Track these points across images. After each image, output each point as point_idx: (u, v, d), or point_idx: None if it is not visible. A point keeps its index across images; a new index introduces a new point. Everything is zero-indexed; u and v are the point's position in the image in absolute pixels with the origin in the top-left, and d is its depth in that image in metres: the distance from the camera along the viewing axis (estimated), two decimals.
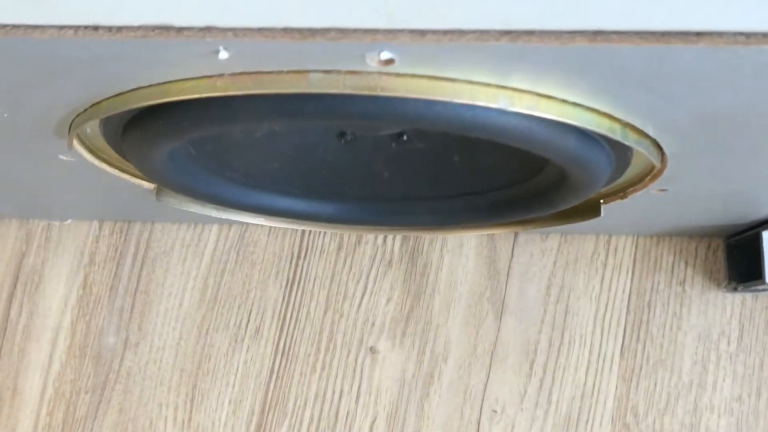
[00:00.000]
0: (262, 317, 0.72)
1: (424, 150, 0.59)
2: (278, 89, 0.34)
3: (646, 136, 0.40)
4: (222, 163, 0.56)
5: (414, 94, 0.34)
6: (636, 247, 0.72)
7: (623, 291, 0.71)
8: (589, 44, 0.29)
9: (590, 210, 0.59)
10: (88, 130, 0.46)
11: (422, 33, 0.29)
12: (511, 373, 0.70)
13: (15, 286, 0.76)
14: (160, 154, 0.46)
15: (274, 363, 0.71)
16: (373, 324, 0.71)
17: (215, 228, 0.75)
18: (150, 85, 0.36)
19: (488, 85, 0.34)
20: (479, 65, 0.33)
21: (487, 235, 0.72)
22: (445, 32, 0.29)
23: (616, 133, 0.38)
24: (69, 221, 0.76)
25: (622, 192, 0.55)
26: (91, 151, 0.51)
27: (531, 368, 0.70)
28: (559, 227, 0.68)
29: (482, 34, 0.29)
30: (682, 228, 0.68)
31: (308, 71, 0.33)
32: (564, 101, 0.36)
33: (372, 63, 0.32)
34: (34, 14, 0.30)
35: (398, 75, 0.33)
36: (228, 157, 0.56)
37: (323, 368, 0.71)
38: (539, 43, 0.29)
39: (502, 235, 0.72)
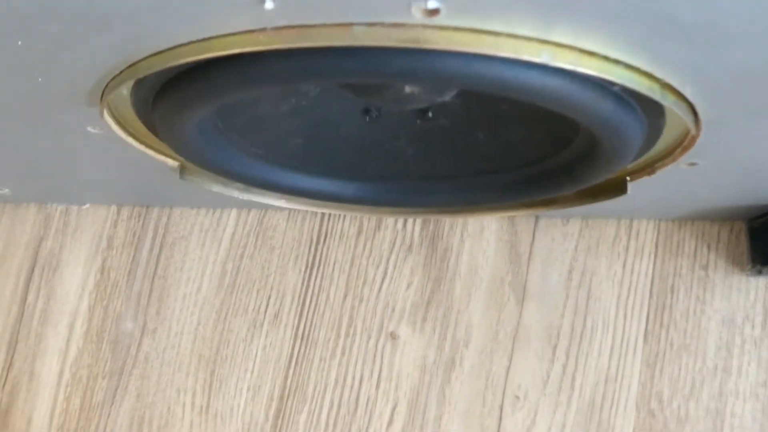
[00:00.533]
0: (281, 302, 0.72)
1: (448, 127, 0.59)
2: (322, 42, 0.34)
3: (684, 98, 0.40)
4: (247, 138, 0.56)
5: (457, 47, 0.34)
6: (658, 232, 0.71)
7: (646, 275, 0.71)
8: None
9: (616, 188, 0.59)
10: (120, 97, 0.46)
11: None
12: (534, 358, 0.70)
13: (33, 271, 0.76)
14: (191, 122, 0.46)
15: (293, 348, 0.71)
16: (393, 309, 0.71)
17: (234, 212, 0.75)
18: (190, 42, 0.36)
19: (531, 39, 0.34)
20: (523, 17, 0.33)
21: (508, 219, 0.72)
22: None
23: (654, 92, 0.39)
24: (87, 206, 0.76)
25: (649, 167, 0.55)
26: (120, 124, 0.51)
27: (554, 353, 0.70)
28: (580, 209, 0.68)
29: None
30: (705, 210, 0.68)
31: (352, 24, 0.33)
32: (606, 58, 0.36)
33: (417, 14, 0.32)
34: None
35: (442, 28, 0.33)
36: (253, 132, 0.56)
37: (343, 354, 0.71)
38: None
39: (523, 219, 0.72)
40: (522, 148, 0.57)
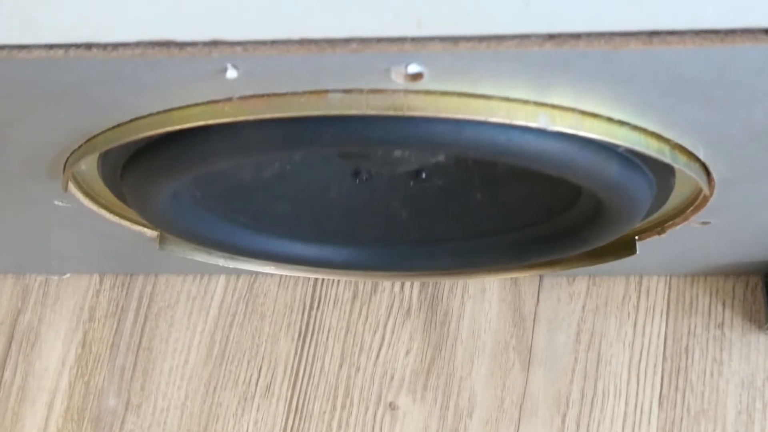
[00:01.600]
0: (273, 373, 0.68)
1: (444, 188, 0.55)
2: (294, 112, 0.30)
3: (696, 159, 0.37)
4: (229, 206, 0.52)
5: (444, 113, 0.30)
6: (669, 289, 0.68)
7: (658, 336, 0.66)
8: (644, 47, 0.26)
9: (624, 248, 0.55)
10: (84, 170, 0.43)
11: (455, 40, 0.26)
12: (542, 427, 0.65)
13: (10, 346, 0.71)
14: (163, 195, 0.43)
15: (286, 422, 0.67)
16: (392, 377, 0.67)
17: (222, 279, 0.71)
18: (150, 114, 0.33)
19: (526, 102, 0.31)
20: (517, 78, 0.29)
21: (511, 279, 0.68)
22: (482, 39, 0.26)
23: (665, 154, 0.35)
24: (68, 275, 0.72)
25: (659, 227, 0.51)
26: (89, 196, 0.48)
27: (563, 422, 0.65)
28: (587, 269, 0.64)
29: (523, 39, 0.26)
30: (718, 266, 0.64)
31: (327, 91, 0.30)
32: (609, 119, 0.32)
33: (398, 79, 0.29)
34: (19, 32, 0.27)
35: (427, 93, 0.30)
36: (236, 200, 0.52)
37: (340, 427, 0.66)
38: (587, 48, 0.26)
39: (526, 279, 0.68)
40: (523, 209, 0.53)
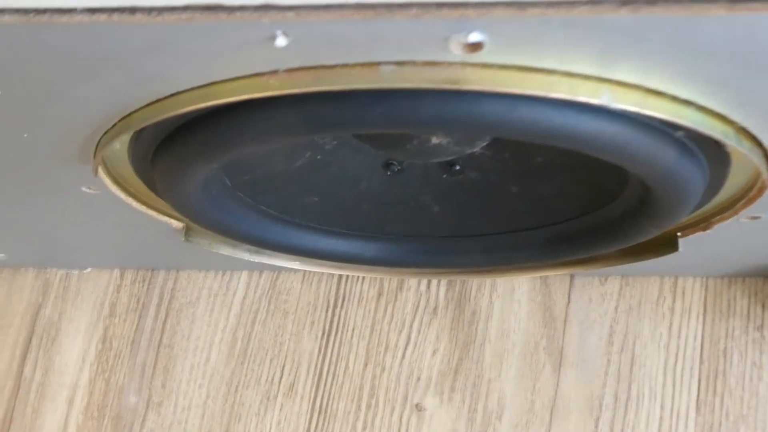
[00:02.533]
0: (296, 372, 0.66)
1: (477, 181, 0.53)
2: (343, 85, 0.29)
3: (759, 144, 0.35)
4: (258, 196, 0.51)
5: (503, 87, 0.28)
6: (706, 290, 0.65)
7: (694, 338, 0.64)
8: (726, 13, 0.24)
9: (665, 245, 0.53)
10: (116, 151, 0.41)
11: (523, 5, 0.24)
12: (574, 431, 0.63)
13: (30, 341, 0.70)
14: (195, 180, 0.41)
15: (310, 422, 0.65)
16: (418, 378, 0.65)
17: (245, 275, 0.69)
18: (190, 89, 0.31)
19: (588, 77, 0.29)
20: (582, 51, 0.27)
21: (541, 278, 0.66)
22: (552, 3, 0.24)
23: (729, 137, 0.33)
24: (89, 270, 0.71)
25: (705, 222, 0.49)
26: (117, 182, 0.46)
27: (596, 426, 0.63)
28: (619, 269, 0.62)
29: (596, 5, 0.24)
30: (758, 266, 0.61)
31: (379, 63, 0.28)
32: (674, 98, 0.30)
33: (456, 50, 0.27)
34: None
35: (485, 66, 0.28)
36: (265, 190, 0.51)
37: (365, 428, 0.64)
38: (664, 14, 0.24)
39: (556, 278, 0.66)
40: (560, 203, 0.51)
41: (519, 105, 0.31)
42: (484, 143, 0.48)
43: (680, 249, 0.52)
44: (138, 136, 0.38)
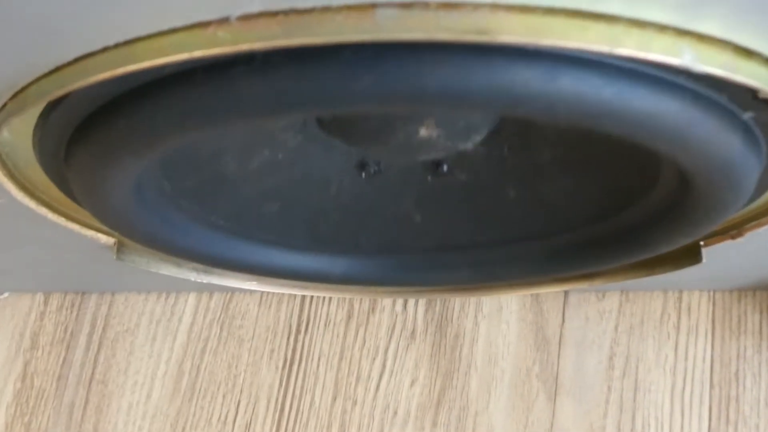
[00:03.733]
0: (254, 409, 0.57)
1: (468, 183, 0.45)
2: (324, 37, 0.20)
3: None
4: (206, 204, 0.41)
5: (550, 39, 0.20)
6: (713, 305, 0.58)
7: (703, 360, 0.57)
8: None
9: (686, 255, 0.46)
10: (17, 150, 0.31)
11: None
12: None
13: None
14: (123, 183, 0.31)
15: None
16: (395, 413, 0.56)
17: (192, 298, 0.60)
18: (105, 48, 0.22)
19: (665, 28, 0.21)
20: None
21: (531, 296, 0.58)
22: None
23: None
24: (5, 295, 0.60)
25: (736, 229, 0.42)
26: (24, 189, 0.36)
27: None
28: (618, 283, 0.54)
29: None
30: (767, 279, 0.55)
31: (374, 5, 0.19)
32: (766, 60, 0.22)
33: None
34: None
35: (524, 9, 0.19)
36: (214, 196, 0.41)
37: None
38: None
39: (549, 295, 0.59)
40: (567, 208, 0.43)
41: (560, 73, 0.23)
42: (481, 137, 0.40)
43: (704, 260, 0.45)
44: (43, 123, 0.28)
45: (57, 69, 0.23)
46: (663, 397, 0.56)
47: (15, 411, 0.57)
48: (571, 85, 0.23)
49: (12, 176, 0.35)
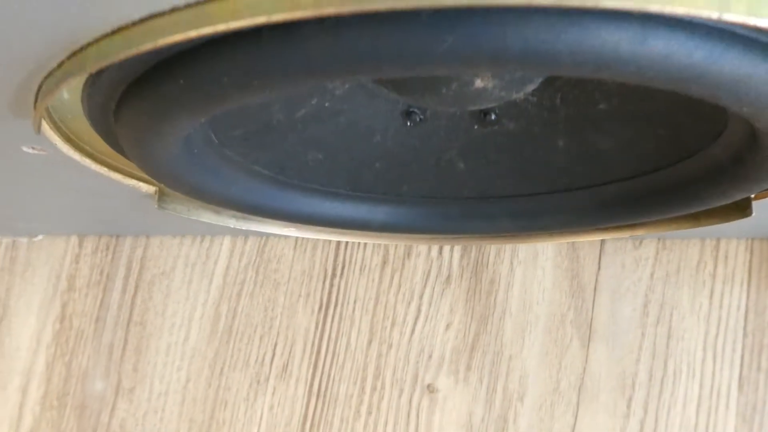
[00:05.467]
0: (290, 351, 0.57)
1: (515, 132, 0.43)
2: (408, 1, 0.18)
3: None
4: (251, 154, 0.40)
5: (654, 4, 0.18)
6: (751, 253, 0.57)
7: (738, 308, 0.56)
8: None
9: (734, 209, 0.44)
10: (65, 102, 0.30)
11: None
12: (604, 413, 0.55)
13: None
14: (175, 141, 0.30)
15: (307, 407, 0.56)
16: (430, 356, 0.56)
17: (227, 241, 0.59)
18: (173, 9, 0.20)
19: None
20: None
21: (568, 242, 0.57)
22: None
23: None
24: (40, 237, 0.60)
25: None
26: (69, 141, 0.35)
27: (628, 406, 0.55)
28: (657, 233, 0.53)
29: None
30: None
31: None
32: None
33: None
34: None
35: None
36: (260, 147, 0.40)
37: (370, 413, 0.56)
38: None
39: (585, 242, 0.58)
40: (620, 159, 0.42)
41: (650, 31, 0.21)
42: (534, 86, 0.38)
43: (753, 213, 0.43)
44: (95, 80, 0.27)
45: (120, 29, 0.22)
46: (696, 345, 0.55)
47: (55, 351, 0.58)
48: (662, 47, 0.22)
49: (58, 128, 0.33)
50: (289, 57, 0.22)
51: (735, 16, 0.19)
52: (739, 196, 0.39)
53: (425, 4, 0.19)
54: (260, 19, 0.19)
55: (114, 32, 0.22)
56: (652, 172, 0.41)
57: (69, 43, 0.23)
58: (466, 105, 0.39)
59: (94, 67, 0.23)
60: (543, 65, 0.22)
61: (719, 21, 0.19)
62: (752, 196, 0.43)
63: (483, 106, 0.40)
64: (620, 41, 0.21)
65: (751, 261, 0.57)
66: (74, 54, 0.23)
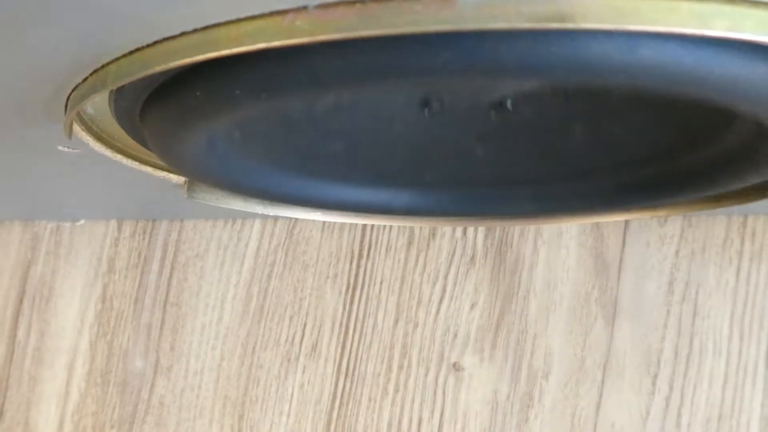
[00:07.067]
0: (319, 331, 0.59)
1: (533, 119, 0.44)
2: (401, 28, 0.20)
3: None
4: (274, 147, 0.42)
5: (635, 24, 0.19)
6: None
7: (766, 285, 0.57)
8: None
9: (752, 191, 0.45)
10: (92, 109, 0.32)
11: None
12: (629, 391, 0.56)
13: (21, 302, 0.63)
14: (197, 142, 0.32)
15: (336, 385, 0.59)
16: (455, 335, 0.58)
17: (258, 224, 0.61)
18: (184, 33, 0.22)
19: (757, 4, 0.20)
20: None
21: (592, 222, 0.58)
22: None
23: None
24: (81, 222, 0.63)
25: None
26: (101, 139, 0.37)
27: (654, 384, 0.56)
28: None
29: None
30: None
31: None
32: None
33: None
34: None
35: None
36: (282, 139, 0.42)
37: (397, 391, 0.58)
38: None
39: (609, 221, 0.58)
40: (636, 145, 0.43)
41: (640, 44, 0.22)
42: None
43: None
44: (120, 89, 0.29)
45: (137, 49, 0.23)
46: (722, 322, 0.56)
47: (98, 330, 0.61)
48: (651, 55, 0.23)
49: (89, 129, 0.36)
50: (293, 72, 0.23)
51: (715, 31, 0.20)
52: (755, 181, 0.39)
53: (425, 30, 0.21)
54: (260, 45, 0.21)
55: (131, 53, 0.23)
56: (669, 158, 0.42)
57: (91, 62, 0.25)
58: (481, 94, 0.40)
59: (114, 84, 0.25)
60: (537, 76, 0.23)
61: (701, 36, 0.20)
62: None
63: (498, 96, 0.41)
64: (610, 51, 0.22)
65: None
66: (96, 71, 0.25)
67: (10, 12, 0.22)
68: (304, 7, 0.20)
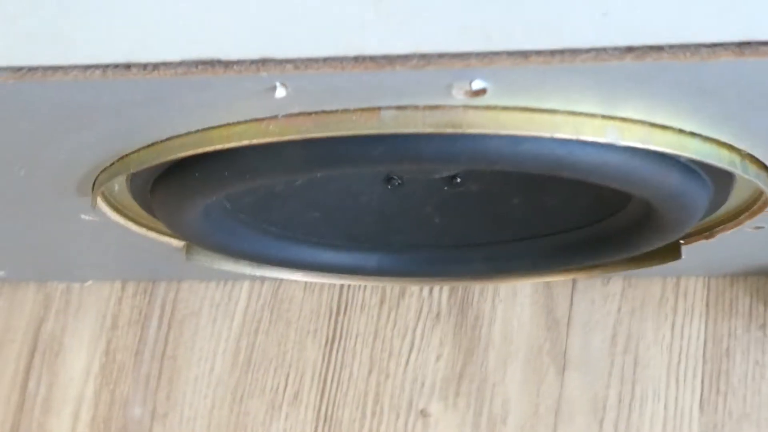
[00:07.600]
0: (300, 380, 0.65)
1: (479, 192, 0.53)
2: (343, 131, 0.28)
3: (765, 168, 0.34)
4: (259, 216, 0.50)
5: (506, 129, 0.28)
6: (708, 289, 0.65)
7: (697, 338, 0.64)
8: (735, 58, 0.23)
9: (668, 252, 0.53)
10: (116, 187, 0.41)
11: (526, 55, 0.24)
12: None
13: (33, 356, 0.70)
14: (195, 211, 0.41)
15: (315, 430, 0.65)
16: (422, 384, 0.64)
17: (246, 285, 0.69)
18: (188, 133, 0.31)
19: (593, 115, 0.28)
20: (587, 92, 0.27)
21: (543, 282, 0.66)
22: (555, 53, 0.23)
23: (735, 166, 0.32)
24: (89, 282, 0.70)
25: (708, 231, 0.49)
26: (117, 210, 0.45)
27: (600, 427, 0.63)
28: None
29: (600, 53, 0.23)
30: (760, 266, 0.61)
31: (379, 108, 0.27)
32: (680, 131, 0.30)
33: (458, 95, 0.26)
34: (55, 53, 0.24)
35: (487, 108, 0.27)
36: (266, 210, 0.50)
37: None
38: (671, 60, 0.23)
39: (558, 281, 0.66)
40: (564, 213, 0.51)
41: (522, 141, 0.31)
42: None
43: (683, 256, 0.52)
44: (136, 171, 0.38)
45: (152, 144, 0.32)
46: (660, 371, 0.62)
47: (101, 381, 0.68)
48: (531, 148, 0.31)
49: (108, 201, 0.44)
50: (267, 160, 0.32)
51: (563, 134, 0.29)
52: (660, 244, 0.48)
53: (360, 133, 0.29)
54: (244, 142, 0.29)
55: (147, 147, 0.32)
56: (589, 225, 0.50)
57: (116, 153, 0.33)
58: (429, 174, 0.49)
59: (135, 169, 0.33)
60: (449, 164, 0.32)
61: (553, 138, 0.29)
62: (681, 242, 0.52)
63: (446, 174, 0.50)
64: (500, 146, 0.31)
65: (708, 296, 0.64)
66: (121, 159, 0.34)
67: (56, 123, 0.30)
68: (275, 116, 0.29)
